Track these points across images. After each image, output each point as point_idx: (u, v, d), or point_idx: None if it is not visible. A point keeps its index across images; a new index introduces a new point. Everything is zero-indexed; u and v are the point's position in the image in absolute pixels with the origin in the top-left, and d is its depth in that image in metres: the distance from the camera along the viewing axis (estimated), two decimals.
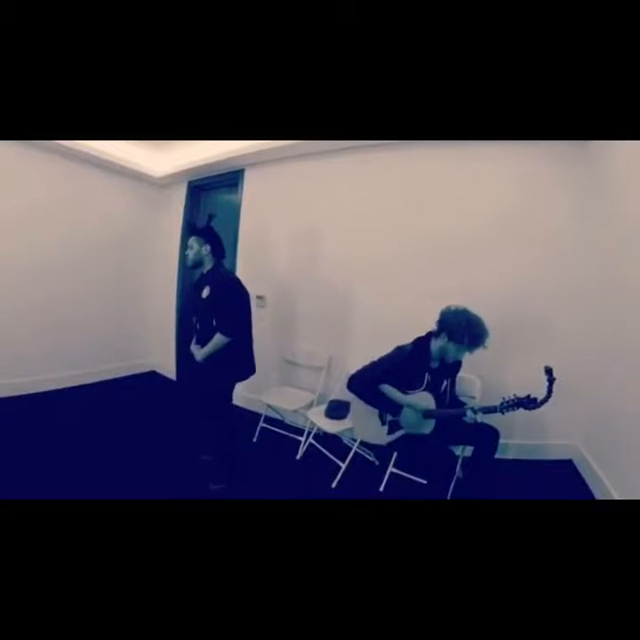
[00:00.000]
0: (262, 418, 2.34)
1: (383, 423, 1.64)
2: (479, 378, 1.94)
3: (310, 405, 2.20)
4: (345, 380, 2.28)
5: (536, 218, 2.02)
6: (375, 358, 1.65)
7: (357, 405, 1.68)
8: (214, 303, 1.65)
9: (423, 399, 1.57)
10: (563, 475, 1.99)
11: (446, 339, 1.53)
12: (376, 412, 1.64)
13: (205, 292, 1.67)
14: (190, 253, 1.71)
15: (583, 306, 1.99)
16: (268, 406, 2.29)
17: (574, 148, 1.91)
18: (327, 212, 2.50)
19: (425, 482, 1.72)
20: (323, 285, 2.52)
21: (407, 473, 1.83)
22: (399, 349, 1.64)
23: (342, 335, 2.45)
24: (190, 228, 1.73)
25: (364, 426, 1.69)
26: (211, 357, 1.67)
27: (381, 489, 1.83)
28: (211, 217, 1.77)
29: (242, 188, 2.81)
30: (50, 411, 2.54)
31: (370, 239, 2.36)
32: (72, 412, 2.58)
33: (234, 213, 2.84)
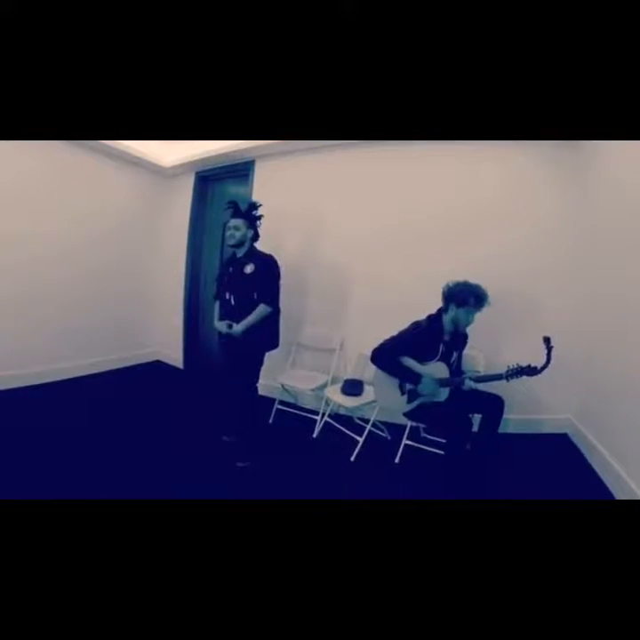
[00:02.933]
0: (276, 401, 2.41)
1: (403, 393, 1.75)
2: (483, 354, 2.09)
3: (325, 385, 2.28)
4: (357, 360, 2.39)
5: (523, 200, 2.20)
6: (394, 333, 1.77)
7: (379, 377, 1.78)
8: (258, 279, 1.83)
9: (438, 369, 1.69)
10: (561, 447, 2.14)
11: (455, 307, 1.67)
12: (396, 383, 1.75)
13: (249, 269, 1.85)
14: (237, 234, 1.86)
15: (574, 283, 2.17)
16: (283, 387, 2.36)
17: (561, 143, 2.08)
18: (335, 201, 2.60)
19: (440, 452, 1.84)
20: (331, 272, 2.62)
21: (420, 444, 1.95)
22: (416, 324, 1.76)
23: (350, 317, 2.56)
24: (236, 212, 1.89)
25: (385, 395, 1.79)
26: (248, 328, 1.79)
27: (397, 461, 1.94)
28: (256, 205, 1.95)
29: (252, 179, 2.87)
30: (55, 402, 2.48)
31: (377, 226, 2.48)
32: (78, 403, 2.53)
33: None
